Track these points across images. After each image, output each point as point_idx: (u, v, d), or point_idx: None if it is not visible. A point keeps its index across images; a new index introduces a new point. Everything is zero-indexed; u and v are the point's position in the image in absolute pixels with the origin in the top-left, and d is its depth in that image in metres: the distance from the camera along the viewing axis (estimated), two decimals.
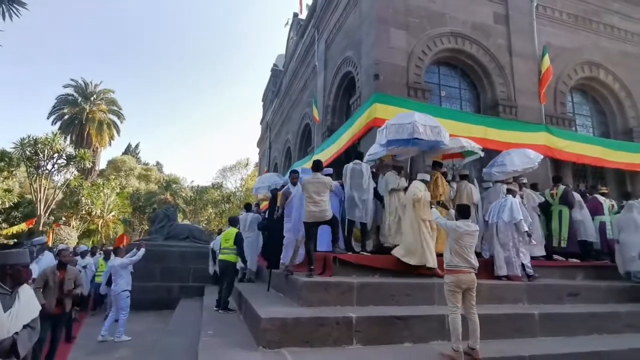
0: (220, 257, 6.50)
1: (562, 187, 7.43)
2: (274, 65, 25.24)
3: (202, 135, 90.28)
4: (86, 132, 26.18)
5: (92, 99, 27.71)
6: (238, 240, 6.32)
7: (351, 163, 6.40)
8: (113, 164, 35.82)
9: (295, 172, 6.09)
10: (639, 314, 5.47)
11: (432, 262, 5.42)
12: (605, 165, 9.83)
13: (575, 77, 10.24)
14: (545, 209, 7.58)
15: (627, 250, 6.71)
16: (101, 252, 11.11)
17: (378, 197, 6.57)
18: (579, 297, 5.87)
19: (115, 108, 29.18)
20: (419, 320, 4.36)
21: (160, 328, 7.24)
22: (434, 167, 6.92)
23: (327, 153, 10.52)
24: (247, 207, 8.53)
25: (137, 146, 51.67)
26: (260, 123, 28.14)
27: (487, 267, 6.09)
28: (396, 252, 5.57)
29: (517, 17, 9.68)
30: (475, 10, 9.33)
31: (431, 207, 5.69)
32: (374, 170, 6.83)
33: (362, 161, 6.39)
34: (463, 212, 4.41)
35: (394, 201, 6.32)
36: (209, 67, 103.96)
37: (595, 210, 7.70)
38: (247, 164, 37.43)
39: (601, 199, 7.79)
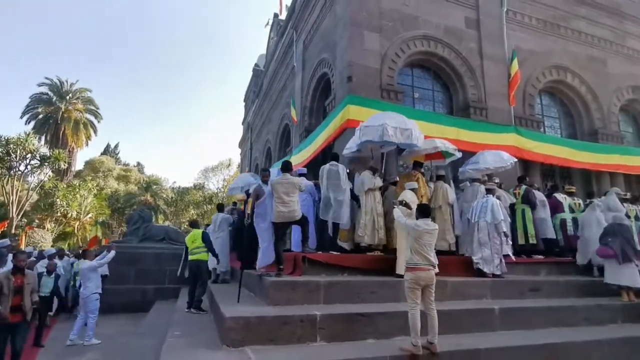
0: (191, 257, 6.49)
1: (524, 187, 7.65)
2: (256, 65, 25.15)
3: (186, 136, 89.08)
4: (61, 132, 25.48)
5: (67, 98, 27.00)
6: (205, 237, 6.37)
7: (327, 164, 6.48)
8: (91, 165, 35.03)
9: (265, 170, 6.13)
10: (595, 307, 5.74)
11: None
12: (571, 165, 10.22)
13: (543, 80, 10.61)
14: (511, 209, 7.88)
15: (589, 245, 7.04)
16: (69, 255, 10.89)
17: (354, 197, 6.70)
18: (541, 292, 6.09)
19: (92, 107, 28.51)
20: (382, 317, 4.47)
21: (131, 331, 7.18)
22: (414, 168, 7.04)
23: (304, 154, 10.60)
24: (219, 208, 8.58)
25: (116, 146, 50.68)
26: (242, 124, 28.00)
27: (467, 265, 6.33)
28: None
29: (488, 22, 9.96)
30: (447, 14, 9.56)
31: (394, 207, 5.85)
32: (349, 171, 6.92)
33: (338, 162, 6.47)
34: (423, 211, 4.55)
35: (369, 201, 6.42)
36: (193, 67, 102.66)
37: (555, 208, 8.02)
38: (229, 165, 37.18)
39: (560, 197, 8.10)
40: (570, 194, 8.36)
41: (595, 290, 6.47)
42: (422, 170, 7.17)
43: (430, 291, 4.15)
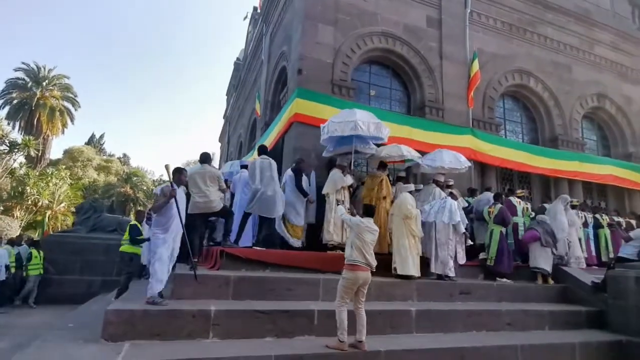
0: (120, 249, 6.33)
1: (499, 206, 7.19)
2: (237, 59, 24.86)
3: (174, 129, 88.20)
4: (36, 119, 24.90)
5: (44, 84, 26.39)
6: (131, 229, 6.17)
7: (259, 158, 6.31)
8: (69, 154, 34.33)
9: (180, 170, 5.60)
10: (520, 312, 5.65)
11: (416, 273, 5.78)
12: (528, 170, 10.19)
13: (505, 84, 10.54)
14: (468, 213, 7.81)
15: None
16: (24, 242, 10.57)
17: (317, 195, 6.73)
18: (471, 296, 5.99)
19: (70, 95, 27.88)
20: (285, 315, 4.30)
21: (49, 321, 6.95)
22: (379, 169, 7.01)
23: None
24: None
25: (101, 137, 49.67)
26: (223, 117, 27.71)
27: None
28: (394, 263, 5.87)
29: (450, 22, 9.86)
30: (408, 12, 9.43)
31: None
32: (298, 166, 6.76)
33: (268, 156, 6.30)
34: (368, 211, 4.54)
35: (339, 199, 6.48)
36: (182, 61, 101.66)
37: (510, 212, 7.93)
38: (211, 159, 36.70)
39: (515, 201, 8.03)
40: (520, 198, 8.31)
41: (529, 296, 6.41)
42: (387, 172, 7.11)
43: (363, 291, 4.16)
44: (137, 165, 43.65)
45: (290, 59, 8.82)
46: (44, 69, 27.20)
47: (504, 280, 6.75)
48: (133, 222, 6.55)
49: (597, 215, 8.79)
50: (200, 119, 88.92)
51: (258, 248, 5.65)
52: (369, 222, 4.31)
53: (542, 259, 6.84)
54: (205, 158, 5.30)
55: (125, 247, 6.21)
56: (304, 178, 6.61)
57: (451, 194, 7.06)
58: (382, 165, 7.11)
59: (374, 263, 4.22)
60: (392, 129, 8.23)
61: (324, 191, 6.54)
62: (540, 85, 10.95)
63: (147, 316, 3.80)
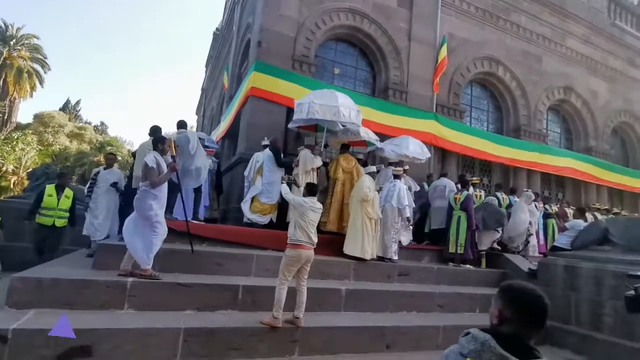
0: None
1: (465, 193, 7.24)
2: (216, 29, 24.02)
3: (157, 99, 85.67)
4: (2, 80, 23.69)
5: (11, 43, 25.00)
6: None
7: (176, 133, 6.03)
8: (39, 119, 33.02)
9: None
10: (454, 295, 5.80)
11: (368, 256, 5.83)
12: (489, 158, 10.30)
13: (474, 71, 10.50)
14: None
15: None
16: None
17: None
18: (409, 277, 6.10)
19: (40, 56, 26.53)
20: (208, 289, 4.28)
21: None
22: (342, 151, 6.98)
23: (224, 124, 10.21)
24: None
25: (77, 103, 47.72)
26: (201, 89, 26.98)
27: None
28: (345, 245, 5.98)
29: (422, 3, 9.65)
30: None
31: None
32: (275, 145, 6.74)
33: (185, 129, 6.02)
34: (311, 190, 4.48)
35: (309, 180, 6.38)
36: (171, 32, 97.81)
37: None
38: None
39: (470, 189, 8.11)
40: (473, 185, 8.39)
41: (469, 280, 6.58)
42: (349, 153, 7.05)
43: (306, 269, 4.21)
44: (115, 135, 42.48)
45: (253, 31, 8.52)
46: (12, 27, 25.72)
47: (468, 266, 6.87)
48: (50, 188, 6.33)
49: (547, 206, 9.02)
50: (182, 90, 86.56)
51: (196, 222, 5.56)
52: (312, 201, 4.29)
53: (483, 242, 7.13)
54: (152, 132, 5.19)
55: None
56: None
57: (395, 176, 6.93)
58: (345, 146, 7.06)
59: (316, 241, 4.26)
60: None
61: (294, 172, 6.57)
62: (509, 74, 10.96)
63: (56, 285, 3.70)
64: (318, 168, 6.79)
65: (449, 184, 7.91)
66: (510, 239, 7.60)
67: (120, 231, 4.74)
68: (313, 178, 6.59)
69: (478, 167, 10.72)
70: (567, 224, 6.49)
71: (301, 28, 8.12)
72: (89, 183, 6.25)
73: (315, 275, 5.39)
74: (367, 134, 7.30)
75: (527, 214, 7.68)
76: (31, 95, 26.03)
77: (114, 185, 5.83)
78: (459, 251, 6.92)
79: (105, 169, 6.03)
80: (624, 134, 13.63)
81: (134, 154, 7.01)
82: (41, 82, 26.43)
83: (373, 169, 6.85)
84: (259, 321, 3.93)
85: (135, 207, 4.27)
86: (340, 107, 6.47)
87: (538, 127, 11.24)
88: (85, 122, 43.93)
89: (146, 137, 5.92)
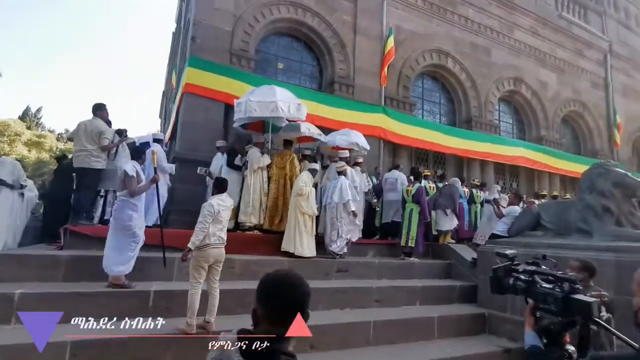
0: None
1: (417, 185, 7.20)
2: (175, 29, 23.39)
3: (122, 106, 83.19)
4: None
5: None
6: None
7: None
8: None
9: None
10: (392, 289, 5.66)
11: (299, 252, 5.72)
12: (441, 150, 10.32)
13: (423, 63, 10.50)
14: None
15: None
16: None
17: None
18: (349, 273, 5.94)
19: None
20: (114, 296, 3.98)
21: None
22: (285, 146, 6.82)
23: (171, 123, 9.83)
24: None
25: (38, 110, 45.49)
26: (162, 92, 26.26)
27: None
28: (283, 242, 5.88)
29: None
30: None
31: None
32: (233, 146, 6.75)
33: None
34: (219, 186, 4.22)
35: (257, 179, 6.37)
36: (134, 31, 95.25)
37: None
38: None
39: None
40: (425, 177, 8.35)
41: (412, 273, 6.48)
42: (293, 150, 6.94)
43: (217, 269, 3.96)
44: None
45: (189, 26, 8.20)
46: None
47: (413, 259, 6.77)
48: None
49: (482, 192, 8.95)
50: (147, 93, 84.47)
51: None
52: (220, 199, 4.03)
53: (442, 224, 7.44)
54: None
55: None
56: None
57: (340, 173, 6.81)
58: (288, 142, 6.90)
59: (225, 238, 4.06)
60: None
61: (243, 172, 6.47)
62: (458, 67, 11.04)
63: None
64: (268, 167, 6.57)
65: (400, 176, 7.83)
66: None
67: None
68: (263, 178, 6.47)
69: (432, 159, 10.74)
70: (504, 211, 6.50)
71: (238, 21, 7.86)
72: None
73: (245, 276, 5.20)
74: (309, 130, 7.13)
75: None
76: None
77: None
78: (409, 244, 6.84)
79: None
80: (574, 122, 14.02)
81: (70, 139, 6.56)
82: None
83: (316, 166, 6.74)
84: (175, 328, 3.68)
85: (114, 217, 4.26)
86: (279, 102, 6.29)
87: (489, 118, 11.37)
88: (48, 130, 42.10)
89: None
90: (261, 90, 6.58)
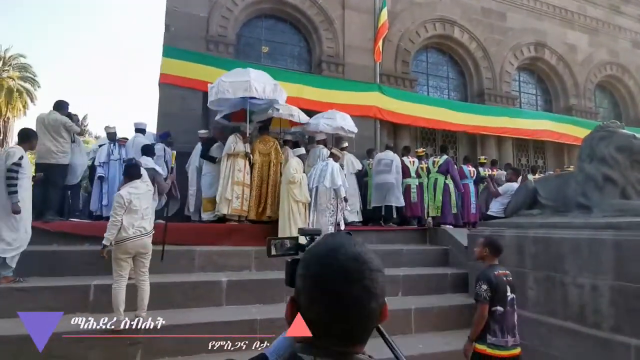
0: None
1: (445, 157, 7.38)
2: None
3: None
4: None
5: None
6: None
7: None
8: None
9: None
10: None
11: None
12: (449, 128, 9.50)
13: (425, 35, 9.66)
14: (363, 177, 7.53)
15: None
16: None
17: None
18: None
19: (29, 74, 27.09)
20: (52, 292, 3.87)
21: None
22: (261, 131, 6.56)
23: None
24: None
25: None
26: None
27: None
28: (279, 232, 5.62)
29: None
30: None
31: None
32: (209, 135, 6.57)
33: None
34: (129, 174, 3.97)
35: (228, 167, 6.04)
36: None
37: (403, 173, 7.37)
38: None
39: (408, 161, 7.44)
40: (419, 158, 7.69)
41: (399, 260, 5.94)
42: (270, 134, 6.64)
43: (142, 261, 3.75)
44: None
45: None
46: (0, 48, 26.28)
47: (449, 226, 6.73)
48: None
49: (481, 169, 8.08)
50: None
51: (77, 220, 5.17)
52: (132, 187, 3.78)
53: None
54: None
55: None
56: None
57: (332, 155, 6.46)
58: (265, 127, 6.59)
59: (151, 227, 3.84)
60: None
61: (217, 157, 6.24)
62: (467, 36, 10.06)
63: None
64: (246, 154, 6.23)
65: (395, 158, 7.25)
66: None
67: None
68: (245, 167, 6.07)
69: (440, 138, 9.93)
70: (500, 189, 5.74)
71: (215, 6, 7.58)
72: None
73: (207, 268, 4.97)
74: (279, 111, 6.66)
75: None
76: (24, 114, 26.46)
77: None
78: (435, 213, 6.96)
79: None
80: (613, 88, 12.43)
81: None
82: (32, 100, 26.86)
83: (302, 150, 6.42)
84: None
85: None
86: (253, 81, 5.84)
87: (506, 90, 10.31)
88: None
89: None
90: (234, 72, 6.25)
